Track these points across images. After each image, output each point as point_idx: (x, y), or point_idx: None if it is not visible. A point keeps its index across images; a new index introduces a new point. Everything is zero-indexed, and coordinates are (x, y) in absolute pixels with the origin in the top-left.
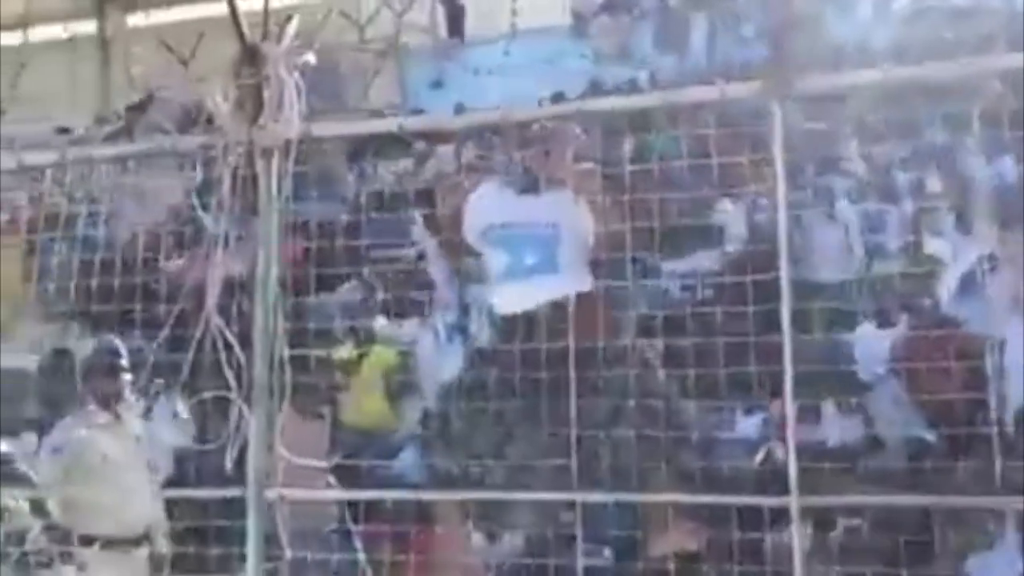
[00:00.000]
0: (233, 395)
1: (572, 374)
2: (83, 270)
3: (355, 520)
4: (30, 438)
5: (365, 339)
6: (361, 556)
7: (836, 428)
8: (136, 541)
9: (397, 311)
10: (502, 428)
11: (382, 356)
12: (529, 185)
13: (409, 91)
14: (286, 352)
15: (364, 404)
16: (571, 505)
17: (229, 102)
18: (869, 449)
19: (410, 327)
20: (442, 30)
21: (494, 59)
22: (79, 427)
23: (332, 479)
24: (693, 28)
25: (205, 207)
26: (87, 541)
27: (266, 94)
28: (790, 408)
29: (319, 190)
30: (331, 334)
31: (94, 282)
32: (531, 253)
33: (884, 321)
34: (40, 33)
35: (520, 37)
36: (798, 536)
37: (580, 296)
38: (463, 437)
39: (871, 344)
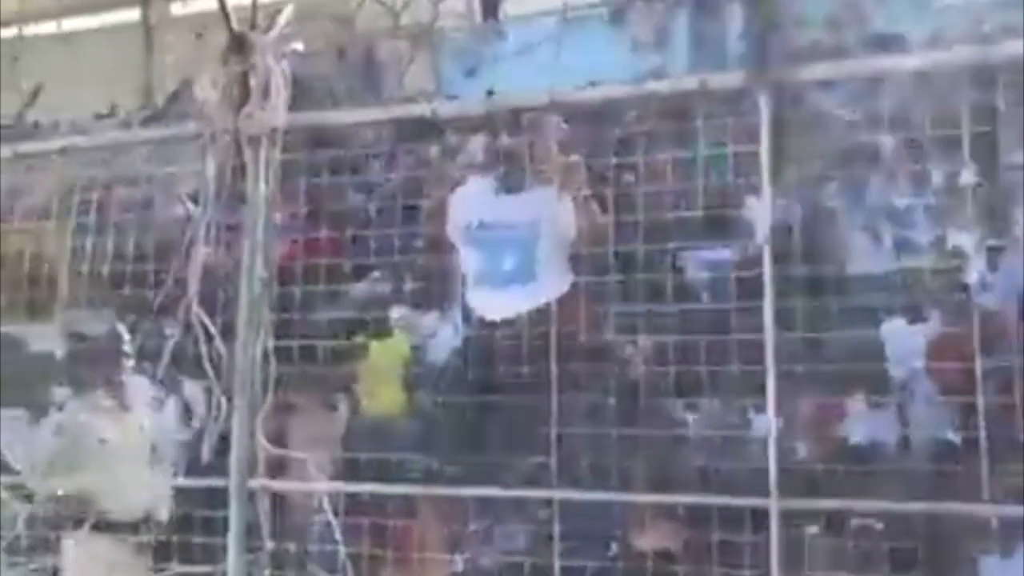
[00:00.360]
0: (212, 385)
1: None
2: (114, 255)
3: (337, 513)
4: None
5: (384, 330)
6: (342, 549)
7: (861, 427)
8: (134, 526)
9: (419, 302)
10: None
11: (400, 347)
12: (513, 183)
13: (443, 79)
14: (271, 343)
15: (380, 395)
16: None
17: (217, 91)
18: (894, 449)
19: (430, 319)
20: (477, 16)
21: (528, 47)
22: (81, 411)
23: (313, 470)
24: (729, 17)
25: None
26: (82, 524)
27: (253, 82)
28: (772, 407)
29: (345, 178)
30: (351, 324)
31: (124, 268)
32: (509, 257)
33: (915, 316)
34: (86, 22)
35: (557, 25)
36: (776, 538)
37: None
38: (445, 432)
39: (902, 340)
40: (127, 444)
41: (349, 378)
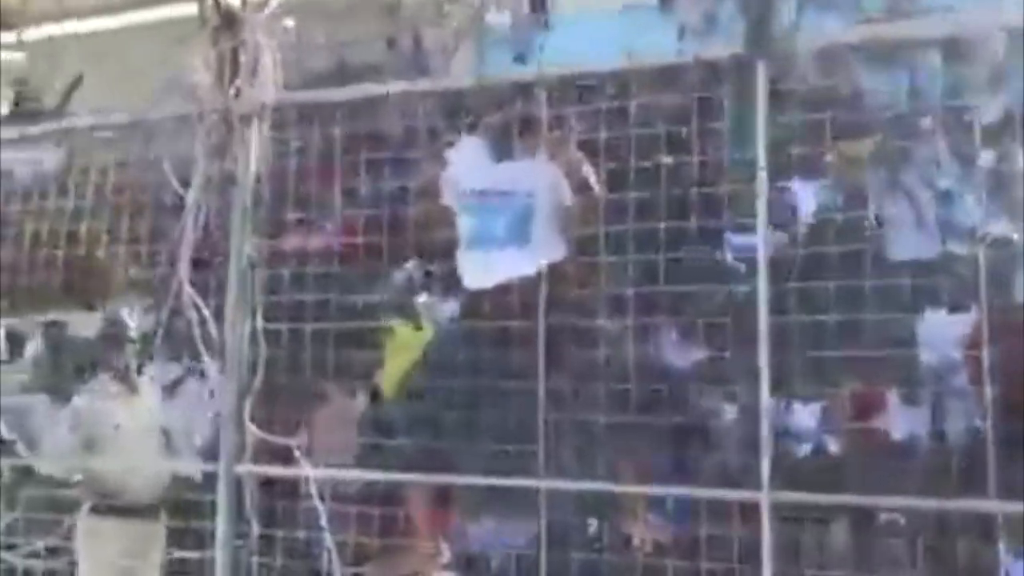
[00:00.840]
0: (205, 367)
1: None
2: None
3: (323, 499)
4: None
5: (413, 315)
6: (327, 536)
7: (901, 420)
8: (146, 510)
9: (443, 287)
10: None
11: (425, 334)
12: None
13: (490, 67)
14: (260, 325)
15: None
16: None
17: (209, 71)
18: (929, 444)
19: (450, 306)
20: (524, 5)
21: (576, 35)
22: (95, 397)
23: (298, 454)
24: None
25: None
26: (97, 509)
27: (243, 59)
28: (764, 397)
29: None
30: (380, 309)
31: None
32: (503, 224)
33: (957, 305)
34: (144, 15)
35: (607, 14)
36: (768, 532)
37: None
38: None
39: (941, 330)
40: (137, 429)
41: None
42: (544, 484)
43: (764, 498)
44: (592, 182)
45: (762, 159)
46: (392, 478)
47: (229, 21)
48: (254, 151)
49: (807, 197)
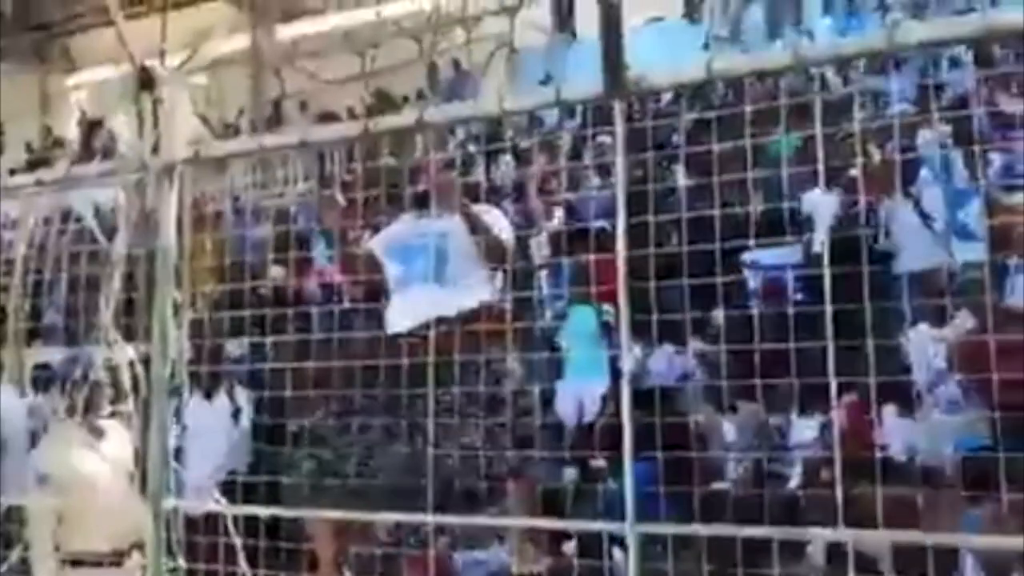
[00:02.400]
0: (128, 408)
1: None
2: None
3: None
4: None
5: None
6: (245, 570)
7: (896, 437)
8: (123, 554)
9: None
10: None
11: None
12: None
13: (520, 88)
14: (185, 369)
15: None
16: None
17: (128, 125)
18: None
19: None
20: (552, 28)
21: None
22: (59, 443)
23: (217, 493)
24: (807, 7)
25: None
26: (71, 558)
27: (160, 115)
28: (627, 425)
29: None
30: None
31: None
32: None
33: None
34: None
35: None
36: (634, 562)
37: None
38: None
39: (928, 344)
40: (104, 470)
41: None
42: (432, 518)
43: (629, 530)
44: (497, 227)
45: (621, 192)
46: (298, 514)
47: (147, 79)
48: (174, 202)
49: (821, 212)
